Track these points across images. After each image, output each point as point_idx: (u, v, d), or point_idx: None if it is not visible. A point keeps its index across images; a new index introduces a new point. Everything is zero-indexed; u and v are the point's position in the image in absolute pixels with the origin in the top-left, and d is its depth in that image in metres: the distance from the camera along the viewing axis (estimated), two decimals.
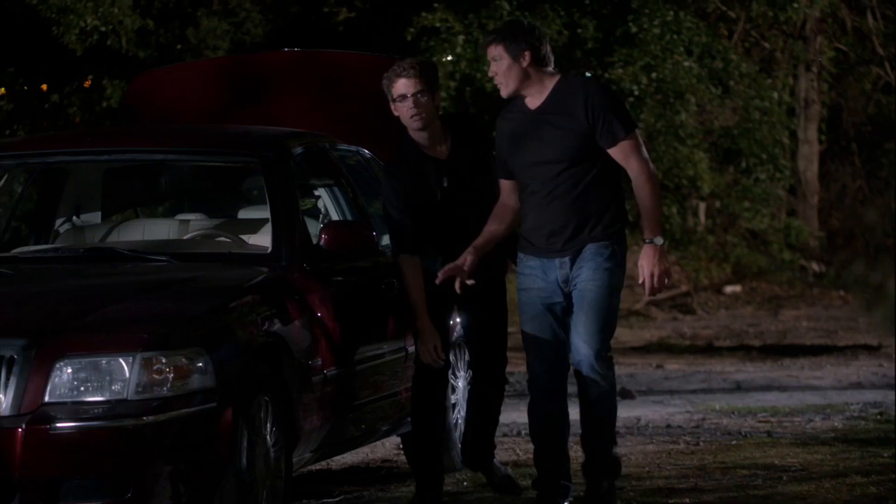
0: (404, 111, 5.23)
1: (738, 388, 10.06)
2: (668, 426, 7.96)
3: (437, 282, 5.08)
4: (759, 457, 6.62)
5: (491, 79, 5.09)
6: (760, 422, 8.05)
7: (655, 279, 4.91)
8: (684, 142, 14.05)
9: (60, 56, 11.87)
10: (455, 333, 6.29)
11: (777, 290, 18.17)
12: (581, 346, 5.03)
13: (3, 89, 12.00)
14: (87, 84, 12.19)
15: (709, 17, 15.65)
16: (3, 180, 6.03)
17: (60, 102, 12.22)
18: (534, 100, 5.01)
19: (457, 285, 5.07)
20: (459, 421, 6.35)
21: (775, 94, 15.27)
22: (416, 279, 5.21)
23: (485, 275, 5.17)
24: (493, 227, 5.12)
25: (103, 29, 11.49)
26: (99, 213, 6.24)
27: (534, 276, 5.04)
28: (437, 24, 12.68)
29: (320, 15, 13.47)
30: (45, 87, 12.21)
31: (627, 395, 9.46)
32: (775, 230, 17.62)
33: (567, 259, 4.99)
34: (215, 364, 4.60)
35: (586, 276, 4.98)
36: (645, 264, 4.93)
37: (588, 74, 13.23)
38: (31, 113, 12.14)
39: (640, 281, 4.94)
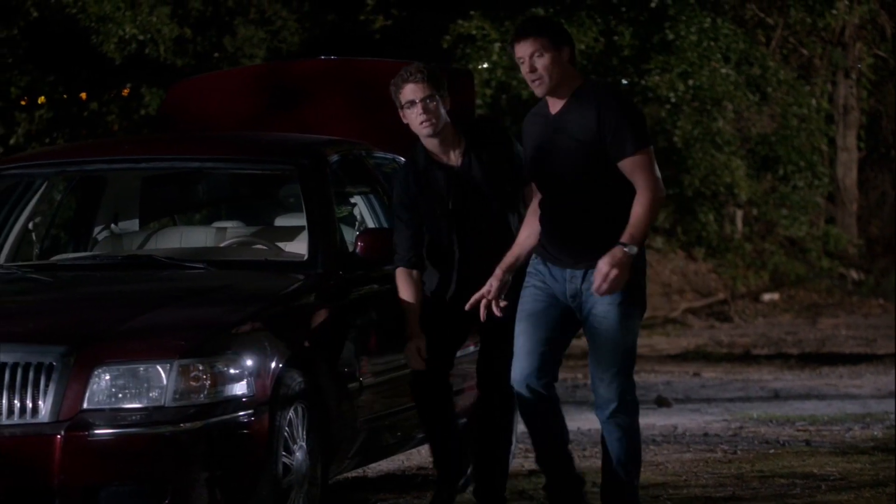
0: (413, 118, 5.08)
1: (776, 396, 10.00)
2: (706, 434, 7.92)
3: (467, 308, 4.87)
4: (797, 466, 6.58)
5: (527, 86, 4.92)
6: (799, 430, 8.00)
7: (608, 280, 4.51)
8: (721, 149, 13.97)
9: (99, 65, 11.95)
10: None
11: (815, 298, 18.05)
12: (601, 391, 4.72)
13: (42, 98, 12.09)
14: (125, 93, 12.26)
15: (746, 23, 15.57)
16: (42, 188, 6.07)
17: (99, 110, 12.30)
18: (555, 103, 4.73)
19: (482, 314, 4.81)
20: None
21: (813, 101, 15.17)
22: (411, 295, 5.07)
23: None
24: (524, 234, 4.87)
25: (141, 38, 11.56)
26: (137, 221, 6.27)
27: (540, 275, 4.74)
28: (474, 32, 12.67)
29: (356, 23, 13.50)
30: (84, 95, 12.29)
31: (664, 402, 9.41)
32: (814, 238, 17.50)
33: (578, 273, 4.69)
34: (252, 371, 4.61)
35: (600, 311, 4.66)
36: (605, 260, 4.52)
37: (624, 82, 13.19)
38: (70, 121, 12.23)
39: (596, 278, 4.54)
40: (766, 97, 14.26)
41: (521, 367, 4.74)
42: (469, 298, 4.88)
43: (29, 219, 6.02)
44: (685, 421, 8.50)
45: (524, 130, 4.83)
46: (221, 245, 5.76)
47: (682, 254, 17.99)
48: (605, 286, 4.54)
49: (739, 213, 18.00)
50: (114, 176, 6.14)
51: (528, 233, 4.85)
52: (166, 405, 4.51)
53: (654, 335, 15.11)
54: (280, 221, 6.01)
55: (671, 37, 13.20)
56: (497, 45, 12.43)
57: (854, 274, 18.83)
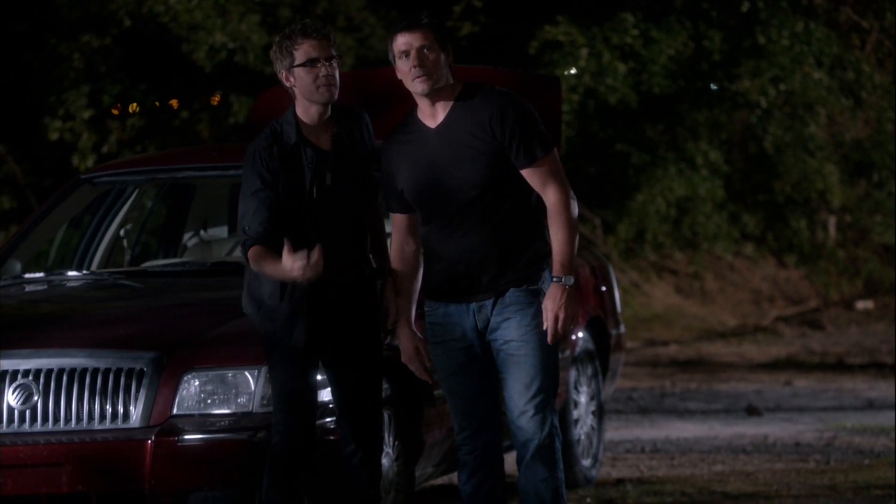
0: (314, 77, 4.34)
1: (871, 405, 9.82)
2: (797, 444, 7.80)
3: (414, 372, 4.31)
4: (892, 477, 6.45)
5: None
6: (894, 441, 7.85)
7: (560, 323, 4.18)
8: (813, 155, 13.77)
9: (190, 73, 12.09)
10: (577, 347, 6.23)
11: None
12: (524, 424, 4.24)
13: (135, 106, 12.25)
14: (214, 101, 12.39)
15: (840, 27, 15.34)
16: (133, 196, 6.14)
17: (189, 119, 12.44)
18: (435, 114, 4.25)
19: (419, 374, 4.32)
20: (582, 437, 6.29)
21: None
22: (272, 258, 4.21)
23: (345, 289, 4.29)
24: (408, 279, 4.30)
25: (231, 46, 11.69)
26: (225, 228, 6.33)
27: (449, 325, 4.28)
28: (560, 38, 12.62)
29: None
30: (175, 103, 12.45)
31: (754, 411, 9.29)
32: None
33: (487, 303, 4.24)
34: None
35: (514, 334, 4.23)
36: (549, 306, 4.18)
37: (714, 87, 13.06)
38: (161, 129, 12.38)
39: (545, 326, 4.20)
40: (861, 102, 14.03)
41: (460, 427, 4.36)
42: (323, 315, 4.29)
43: (120, 226, 6.10)
44: (776, 430, 8.38)
45: (389, 158, 4.32)
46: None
47: (773, 261, 17.77)
48: (560, 330, 4.19)
49: (832, 220, 17.74)
50: (203, 183, 6.20)
51: (411, 281, 4.32)
52: (254, 411, 4.55)
53: (745, 343, 14.93)
54: None
55: (762, 41, 13.04)
56: (584, 51, 12.37)
57: None
